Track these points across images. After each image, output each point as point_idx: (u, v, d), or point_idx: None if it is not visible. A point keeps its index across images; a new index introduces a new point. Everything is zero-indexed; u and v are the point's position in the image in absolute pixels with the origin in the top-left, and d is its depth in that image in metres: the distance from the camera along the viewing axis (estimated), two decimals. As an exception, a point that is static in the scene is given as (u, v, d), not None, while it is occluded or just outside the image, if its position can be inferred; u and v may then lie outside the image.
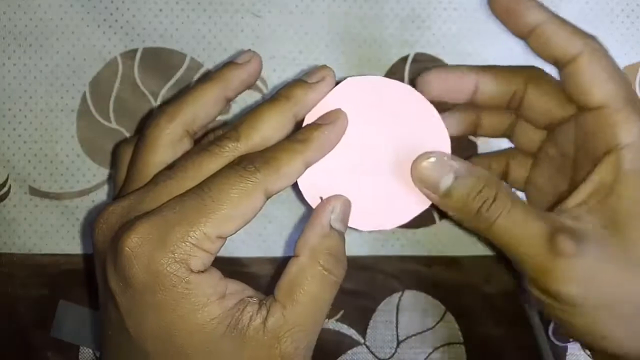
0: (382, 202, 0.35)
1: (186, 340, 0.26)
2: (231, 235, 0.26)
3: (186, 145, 0.29)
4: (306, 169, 0.28)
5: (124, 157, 0.31)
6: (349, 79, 0.32)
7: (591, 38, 0.30)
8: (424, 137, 0.34)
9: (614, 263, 0.27)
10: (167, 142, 0.29)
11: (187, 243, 0.25)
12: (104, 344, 0.29)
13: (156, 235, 0.25)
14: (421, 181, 0.30)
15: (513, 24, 0.31)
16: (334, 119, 0.30)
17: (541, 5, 0.31)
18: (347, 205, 0.30)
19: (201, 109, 0.29)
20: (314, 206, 0.32)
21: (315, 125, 0.30)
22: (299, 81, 0.30)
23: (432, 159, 0.29)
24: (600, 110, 0.29)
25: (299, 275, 0.28)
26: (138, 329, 0.26)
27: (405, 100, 0.33)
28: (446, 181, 0.28)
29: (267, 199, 0.27)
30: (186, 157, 0.28)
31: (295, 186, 0.33)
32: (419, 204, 0.34)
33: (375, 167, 0.33)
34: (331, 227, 0.29)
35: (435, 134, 0.33)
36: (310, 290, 0.27)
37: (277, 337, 0.26)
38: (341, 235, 0.29)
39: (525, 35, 0.31)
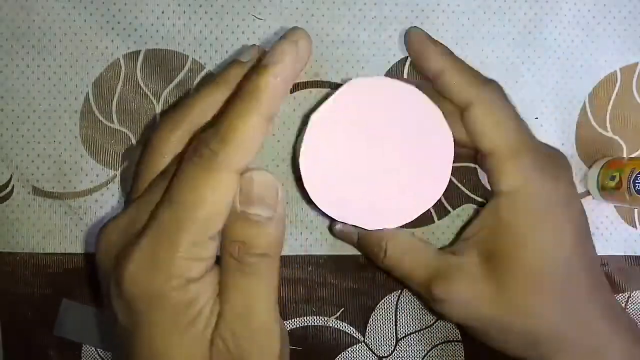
0: (386, 202, 0.36)
1: (184, 355, 0.25)
2: (220, 228, 0.25)
3: None
4: (270, 121, 0.24)
5: (164, 148, 0.29)
6: (353, 80, 0.33)
7: (487, 86, 0.32)
8: (428, 137, 0.35)
9: (486, 299, 0.31)
10: (171, 151, 0.28)
11: (178, 259, 0.24)
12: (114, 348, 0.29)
13: (149, 260, 0.24)
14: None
15: (421, 68, 0.35)
16: (280, 55, 0.25)
17: (446, 52, 0.34)
18: (248, 182, 0.25)
19: (206, 113, 0.28)
20: (319, 206, 0.32)
21: (261, 67, 0.25)
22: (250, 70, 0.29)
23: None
24: (490, 156, 0.32)
25: (223, 271, 0.26)
26: (143, 352, 0.25)
27: (409, 101, 0.33)
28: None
29: (242, 173, 0.25)
30: (173, 161, 0.28)
31: (301, 187, 0.33)
32: (422, 204, 0.34)
33: (380, 167, 0.34)
34: (240, 210, 0.25)
35: (439, 134, 0.34)
36: (233, 285, 0.25)
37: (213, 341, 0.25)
38: (250, 218, 0.25)
39: (431, 78, 0.34)
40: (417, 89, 0.33)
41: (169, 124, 0.28)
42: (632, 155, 0.40)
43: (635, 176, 0.35)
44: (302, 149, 0.32)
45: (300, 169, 0.32)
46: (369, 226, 0.34)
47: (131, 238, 0.25)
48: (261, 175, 0.25)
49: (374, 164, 0.34)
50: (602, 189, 0.38)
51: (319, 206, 0.33)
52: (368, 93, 0.34)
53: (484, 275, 0.31)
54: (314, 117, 0.32)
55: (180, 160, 0.26)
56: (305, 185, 0.32)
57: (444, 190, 0.34)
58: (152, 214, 0.25)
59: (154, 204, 0.25)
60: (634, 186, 0.35)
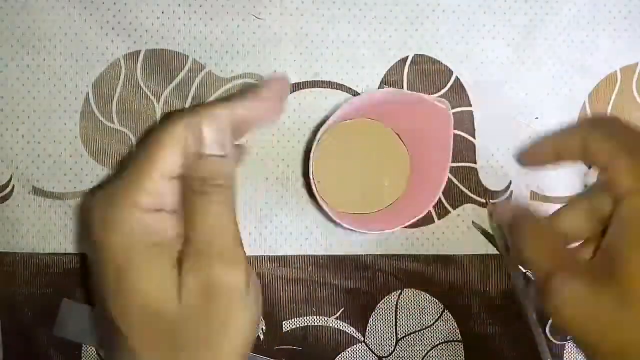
0: (387, 205, 0.36)
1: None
2: (176, 174, 0.27)
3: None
4: (236, 115, 0.29)
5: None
6: (364, 93, 0.33)
7: None
8: (430, 144, 0.35)
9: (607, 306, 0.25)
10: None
11: (133, 189, 0.27)
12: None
13: (112, 192, 0.28)
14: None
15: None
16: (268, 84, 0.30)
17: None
18: (217, 130, 0.28)
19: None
20: (326, 209, 0.33)
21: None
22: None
23: None
24: None
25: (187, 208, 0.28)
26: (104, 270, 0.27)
27: (417, 109, 0.34)
28: None
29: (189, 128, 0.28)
30: None
31: (307, 188, 0.33)
32: (420, 208, 0.34)
33: (382, 172, 0.35)
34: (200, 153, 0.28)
35: (441, 144, 0.34)
36: (200, 212, 0.28)
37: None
38: (220, 157, 0.28)
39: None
40: (421, 95, 0.33)
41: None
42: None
43: None
44: (312, 161, 0.32)
45: (312, 181, 0.33)
46: (373, 230, 0.34)
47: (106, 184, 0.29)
48: (212, 124, 0.28)
49: (376, 169, 0.34)
50: None
51: (326, 210, 0.33)
52: (377, 103, 0.34)
53: (609, 281, 0.25)
54: (323, 128, 0.32)
55: None
56: (316, 194, 0.33)
57: (440, 193, 0.34)
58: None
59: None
60: None
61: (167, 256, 0.27)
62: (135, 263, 0.27)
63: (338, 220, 0.34)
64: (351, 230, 0.34)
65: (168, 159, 0.27)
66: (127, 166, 0.28)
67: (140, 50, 0.38)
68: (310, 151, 0.35)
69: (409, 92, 0.33)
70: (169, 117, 0.29)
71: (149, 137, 0.28)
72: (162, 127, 0.28)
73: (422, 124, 0.36)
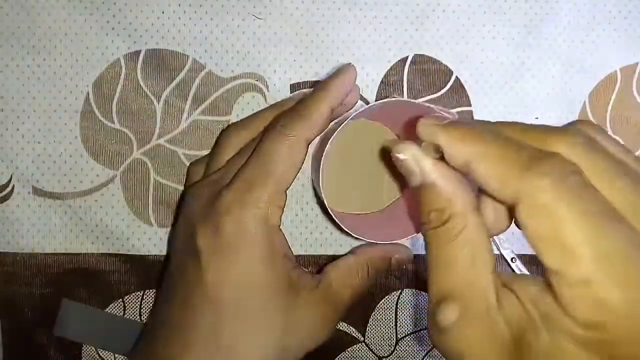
0: (394, 217, 0.37)
1: (261, 284, 0.30)
2: (290, 184, 0.32)
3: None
4: (331, 111, 0.32)
5: (233, 140, 0.35)
6: (375, 104, 0.33)
7: (538, 170, 0.19)
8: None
9: None
10: (239, 143, 0.34)
11: (263, 201, 0.30)
12: (165, 307, 0.33)
13: (240, 199, 0.30)
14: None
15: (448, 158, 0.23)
16: (344, 70, 0.33)
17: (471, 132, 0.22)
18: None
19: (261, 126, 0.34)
20: (335, 217, 0.33)
21: (330, 76, 0.33)
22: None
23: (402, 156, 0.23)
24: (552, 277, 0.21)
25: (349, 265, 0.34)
26: (217, 279, 0.30)
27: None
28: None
29: (308, 145, 0.31)
30: (248, 144, 0.34)
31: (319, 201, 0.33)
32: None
33: (390, 185, 0.35)
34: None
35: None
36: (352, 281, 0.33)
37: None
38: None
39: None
40: (428, 106, 0.33)
41: (238, 125, 0.36)
42: (632, 155, 0.40)
43: None
44: (323, 164, 0.32)
45: (320, 183, 0.33)
46: (380, 240, 0.34)
47: (220, 189, 0.31)
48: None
49: (375, 169, 0.34)
50: None
51: (337, 221, 0.33)
52: (385, 114, 0.34)
53: None
54: (333, 138, 0.32)
55: (257, 139, 0.33)
56: (326, 203, 0.33)
57: None
58: (237, 173, 0.31)
59: (236, 170, 0.31)
60: None
61: (283, 267, 0.32)
62: (257, 274, 0.30)
63: (347, 230, 0.33)
64: (362, 239, 0.34)
65: (289, 176, 0.32)
66: (245, 178, 0.31)
67: (140, 50, 0.38)
68: (310, 153, 0.35)
69: (418, 102, 0.33)
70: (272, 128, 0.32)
71: (265, 147, 0.31)
72: (277, 140, 0.31)
73: None
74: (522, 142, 0.18)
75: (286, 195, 0.32)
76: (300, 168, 0.31)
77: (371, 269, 0.34)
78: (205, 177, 0.34)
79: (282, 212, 0.31)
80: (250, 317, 0.30)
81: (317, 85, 0.34)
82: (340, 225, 0.32)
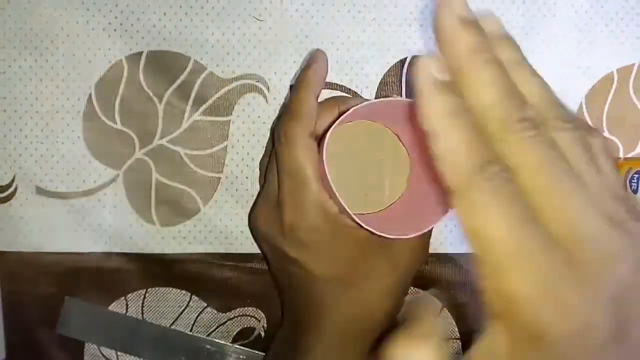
0: (405, 213, 0.37)
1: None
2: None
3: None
4: (313, 98, 0.34)
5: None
6: (370, 102, 0.33)
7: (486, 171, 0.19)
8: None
9: None
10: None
11: (313, 202, 0.33)
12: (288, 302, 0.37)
13: (294, 209, 0.34)
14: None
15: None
16: (315, 58, 0.36)
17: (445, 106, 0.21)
18: None
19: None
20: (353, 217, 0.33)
21: (305, 67, 0.36)
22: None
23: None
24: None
25: None
26: (321, 267, 0.34)
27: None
28: None
29: (314, 137, 0.34)
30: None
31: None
32: (435, 216, 0.34)
33: (399, 182, 0.36)
34: None
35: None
36: None
37: None
38: None
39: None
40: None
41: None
42: (629, 155, 0.40)
43: (632, 175, 0.36)
44: (326, 163, 0.33)
45: (335, 192, 0.33)
46: (391, 234, 0.34)
47: (276, 209, 0.35)
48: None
49: (376, 169, 0.35)
50: None
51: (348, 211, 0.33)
52: (385, 114, 0.35)
53: None
54: (329, 133, 0.32)
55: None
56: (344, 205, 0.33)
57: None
58: (279, 186, 0.35)
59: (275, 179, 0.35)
60: (630, 185, 0.36)
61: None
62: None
63: (363, 224, 0.33)
64: (377, 234, 0.34)
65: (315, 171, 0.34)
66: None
67: (142, 52, 0.39)
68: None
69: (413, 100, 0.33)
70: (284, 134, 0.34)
71: (280, 156, 0.34)
72: (285, 146, 0.34)
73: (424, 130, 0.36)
74: (481, 138, 0.19)
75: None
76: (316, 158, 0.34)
77: None
78: (258, 202, 0.38)
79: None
80: (362, 275, 0.34)
81: (297, 81, 0.36)
82: (362, 224, 0.33)
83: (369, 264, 0.35)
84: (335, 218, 0.34)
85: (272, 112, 0.39)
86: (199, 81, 0.39)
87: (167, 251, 0.39)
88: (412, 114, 0.35)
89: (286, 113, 0.34)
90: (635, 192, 0.36)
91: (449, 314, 0.40)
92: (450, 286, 0.40)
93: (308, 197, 0.33)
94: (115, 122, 0.39)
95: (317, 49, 0.37)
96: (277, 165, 0.35)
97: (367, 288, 0.35)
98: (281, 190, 0.34)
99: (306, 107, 0.34)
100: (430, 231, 0.35)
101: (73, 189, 0.39)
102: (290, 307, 0.37)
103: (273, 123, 0.39)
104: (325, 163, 0.32)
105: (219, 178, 0.39)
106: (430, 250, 0.40)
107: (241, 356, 0.40)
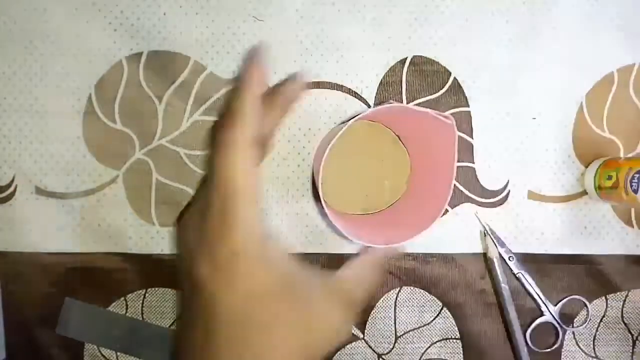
0: (395, 218, 0.37)
1: (268, 291, 0.28)
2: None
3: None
4: (255, 99, 0.29)
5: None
6: (372, 109, 0.33)
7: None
8: (431, 148, 0.36)
9: None
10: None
11: (250, 213, 0.28)
12: (183, 337, 0.31)
13: (220, 225, 0.28)
14: None
15: None
16: (250, 57, 0.30)
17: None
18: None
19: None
20: (330, 218, 0.33)
21: (243, 68, 0.31)
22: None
23: None
24: None
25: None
26: (227, 302, 0.28)
27: (423, 124, 0.34)
28: None
29: (256, 135, 0.28)
30: None
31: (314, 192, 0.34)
32: (433, 217, 0.34)
33: (399, 183, 0.36)
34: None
35: (445, 158, 0.34)
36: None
37: None
38: None
39: None
40: (424, 110, 0.33)
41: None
42: (629, 155, 0.40)
43: (632, 175, 0.36)
44: (322, 166, 0.32)
45: (319, 183, 0.33)
46: (379, 244, 0.34)
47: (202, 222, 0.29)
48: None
49: (377, 170, 0.35)
50: (599, 189, 0.38)
51: (338, 227, 0.33)
52: (385, 115, 0.35)
53: None
54: (333, 141, 0.32)
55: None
56: (321, 197, 0.33)
57: (443, 209, 0.34)
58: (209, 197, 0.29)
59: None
60: (631, 185, 0.36)
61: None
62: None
63: (343, 231, 0.33)
64: (358, 242, 0.34)
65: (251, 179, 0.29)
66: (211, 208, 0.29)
67: (142, 52, 0.39)
68: (310, 153, 0.35)
69: (416, 108, 0.33)
70: (212, 134, 0.28)
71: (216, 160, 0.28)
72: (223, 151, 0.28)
73: (425, 132, 0.36)
74: None
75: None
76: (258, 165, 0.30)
77: (381, 268, 0.35)
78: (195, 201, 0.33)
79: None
80: (267, 324, 0.29)
81: (238, 79, 0.33)
82: (337, 226, 0.32)
83: (280, 317, 0.29)
84: (263, 246, 0.29)
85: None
86: (199, 81, 0.39)
87: (166, 251, 0.39)
88: (413, 119, 0.35)
89: (225, 114, 0.29)
90: (635, 192, 0.36)
91: (449, 313, 0.40)
92: (450, 286, 0.40)
93: (235, 217, 0.29)
94: (115, 123, 0.39)
95: (254, 48, 0.31)
96: (209, 174, 0.30)
97: (267, 345, 0.29)
98: (209, 203, 0.29)
99: (248, 109, 0.29)
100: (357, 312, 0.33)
101: (73, 189, 0.39)
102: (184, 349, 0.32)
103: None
104: (322, 166, 0.32)
105: (219, 178, 0.39)
106: (430, 250, 0.40)
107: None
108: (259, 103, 0.29)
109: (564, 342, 0.41)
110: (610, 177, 0.37)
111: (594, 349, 0.41)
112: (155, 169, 0.39)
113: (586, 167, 0.40)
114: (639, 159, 0.36)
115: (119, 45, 0.38)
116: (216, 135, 0.29)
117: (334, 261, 0.40)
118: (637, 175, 0.35)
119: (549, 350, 0.40)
